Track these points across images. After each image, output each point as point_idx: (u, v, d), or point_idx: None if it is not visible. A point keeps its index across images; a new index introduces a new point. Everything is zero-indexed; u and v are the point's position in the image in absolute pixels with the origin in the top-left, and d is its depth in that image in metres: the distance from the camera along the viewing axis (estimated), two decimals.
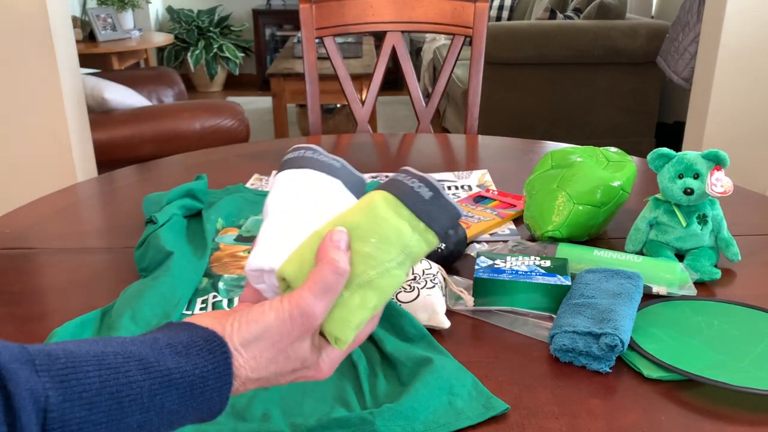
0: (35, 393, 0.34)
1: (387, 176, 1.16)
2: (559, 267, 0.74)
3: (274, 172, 1.18)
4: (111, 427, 0.36)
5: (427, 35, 4.79)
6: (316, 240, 0.43)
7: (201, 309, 0.73)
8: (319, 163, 0.49)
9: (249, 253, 0.84)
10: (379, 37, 4.88)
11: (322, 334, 0.44)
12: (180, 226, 0.88)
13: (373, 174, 1.17)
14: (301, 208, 0.47)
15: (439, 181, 1.15)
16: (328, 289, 0.41)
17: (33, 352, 0.36)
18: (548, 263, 0.75)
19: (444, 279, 0.75)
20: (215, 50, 5.27)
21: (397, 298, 0.69)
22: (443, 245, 0.80)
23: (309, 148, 0.50)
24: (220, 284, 0.78)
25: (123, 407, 0.36)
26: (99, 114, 2.67)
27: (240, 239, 0.90)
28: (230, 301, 0.74)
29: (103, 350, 0.37)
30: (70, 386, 0.35)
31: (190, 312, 0.72)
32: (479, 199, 1.03)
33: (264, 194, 1.05)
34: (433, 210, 0.44)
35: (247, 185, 1.13)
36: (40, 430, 0.34)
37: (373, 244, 0.43)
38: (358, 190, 0.51)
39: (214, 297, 0.75)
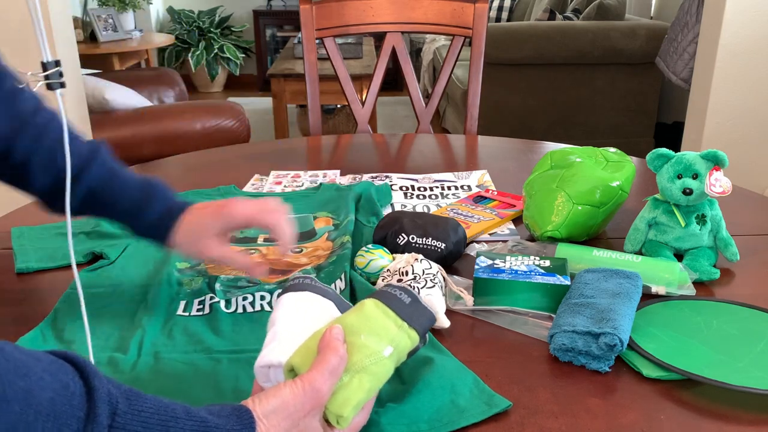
0: (111, 396, 0.41)
1: (387, 176, 1.16)
2: (559, 267, 0.75)
3: (271, 173, 1.19)
4: None
5: (427, 36, 4.79)
6: (317, 337, 0.51)
7: (198, 310, 0.73)
8: (316, 288, 0.59)
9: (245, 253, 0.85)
10: (379, 38, 4.88)
11: (326, 420, 0.50)
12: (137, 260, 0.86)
13: (374, 174, 1.17)
14: (303, 318, 0.56)
15: (439, 181, 1.15)
16: (332, 371, 0.49)
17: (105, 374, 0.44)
18: (547, 263, 0.75)
19: (444, 279, 0.75)
20: (216, 51, 5.28)
21: None
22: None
23: (307, 277, 0.60)
24: (217, 285, 0.78)
25: None
26: (100, 114, 2.67)
27: (234, 240, 0.90)
28: (227, 302, 0.74)
29: (184, 408, 0.45)
30: (132, 404, 0.42)
31: (186, 314, 0.72)
32: (479, 199, 1.04)
33: (259, 196, 1.06)
34: (412, 312, 0.55)
35: (248, 185, 1.14)
36: (108, 427, 0.41)
37: (366, 337, 0.52)
38: (343, 307, 0.59)
39: (212, 298, 0.75)
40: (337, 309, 0.58)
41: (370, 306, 0.55)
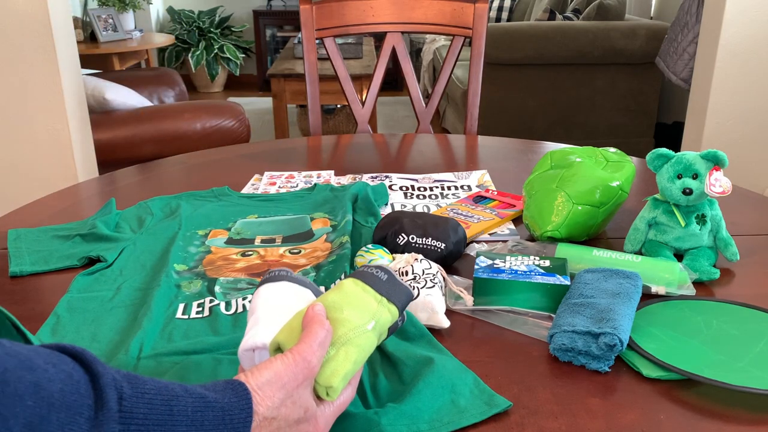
0: (116, 381, 0.41)
1: (387, 176, 1.16)
2: (559, 267, 0.75)
3: (267, 174, 1.19)
4: (165, 430, 0.42)
5: (427, 36, 4.79)
6: (300, 316, 0.52)
7: (197, 313, 0.73)
8: (292, 278, 0.60)
9: (243, 255, 0.85)
10: (379, 38, 4.88)
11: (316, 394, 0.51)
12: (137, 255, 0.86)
13: (374, 174, 1.17)
14: (282, 304, 0.57)
15: (439, 181, 1.15)
16: (321, 343, 0.49)
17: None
18: (547, 263, 0.75)
19: (444, 279, 0.75)
20: (216, 51, 5.28)
21: None
22: (443, 252, 0.80)
23: (283, 270, 0.61)
24: (216, 288, 0.78)
25: (173, 415, 0.42)
26: (100, 114, 2.67)
27: (230, 242, 0.90)
28: (227, 304, 0.74)
29: (185, 388, 0.44)
30: (135, 386, 0.42)
31: (186, 316, 0.72)
32: (479, 199, 1.04)
33: (252, 197, 1.06)
34: (390, 288, 0.57)
35: (247, 186, 1.13)
36: (118, 412, 0.40)
37: (348, 312, 0.53)
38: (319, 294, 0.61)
39: (211, 301, 0.75)
40: (314, 296, 0.59)
41: (348, 284, 0.56)
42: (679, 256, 0.83)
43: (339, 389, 0.50)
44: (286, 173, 1.20)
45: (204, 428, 0.43)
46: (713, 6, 2.20)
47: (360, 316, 0.53)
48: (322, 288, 0.63)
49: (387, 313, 0.56)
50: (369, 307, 0.55)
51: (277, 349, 0.51)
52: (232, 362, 0.64)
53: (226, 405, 0.44)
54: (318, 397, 0.51)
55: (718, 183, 0.78)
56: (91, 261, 0.84)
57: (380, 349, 0.65)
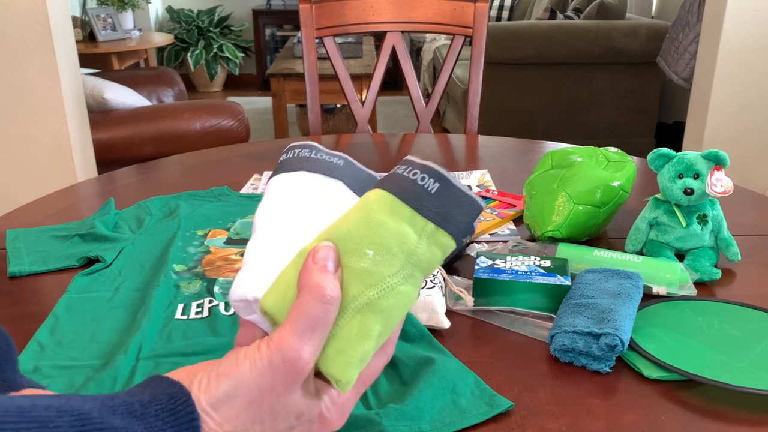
0: None
1: None
2: (559, 267, 0.74)
3: (266, 174, 1.18)
4: None
5: (427, 35, 4.79)
6: (301, 260, 0.36)
7: (197, 313, 0.72)
8: (317, 163, 0.42)
9: (242, 255, 0.84)
10: (379, 37, 4.88)
11: (318, 375, 0.37)
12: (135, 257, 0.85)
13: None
14: (291, 220, 0.39)
15: None
16: (315, 325, 0.34)
17: None
18: (548, 263, 0.75)
19: (444, 279, 0.75)
20: (215, 50, 5.27)
21: None
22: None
23: (306, 146, 0.43)
24: (216, 288, 0.77)
25: None
26: (99, 114, 2.67)
27: (230, 242, 0.89)
28: (227, 305, 0.74)
29: (35, 403, 0.31)
30: None
31: (185, 317, 0.72)
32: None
33: (251, 197, 1.05)
34: (442, 205, 0.36)
35: (247, 185, 1.13)
36: None
37: (370, 257, 0.35)
38: (368, 189, 0.40)
39: (210, 302, 0.75)
40: (349, 190, 0.42)
41: (375, 202, 0.36)
42: (680, 256, 0.83)
43: (351, 380, 0.36)
44: None
45: None
46: (714, 5, 2.20)
47: (388, 261, 0.35)
48: (373, 173, 0.44)
49: (435, 248, 0.37)
50: (404, 244, 0.36)
51: (268, 314, 0.36)
52: None
53: None
54: (326, 381, 0.37)
55: (719, 183, 0.78)
56: (90, 261, 0.84)
57: None
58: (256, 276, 0.37)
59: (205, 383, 0.33)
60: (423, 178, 0.36)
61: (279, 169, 0.43)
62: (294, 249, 0.37)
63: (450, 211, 0.36)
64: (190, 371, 0.35)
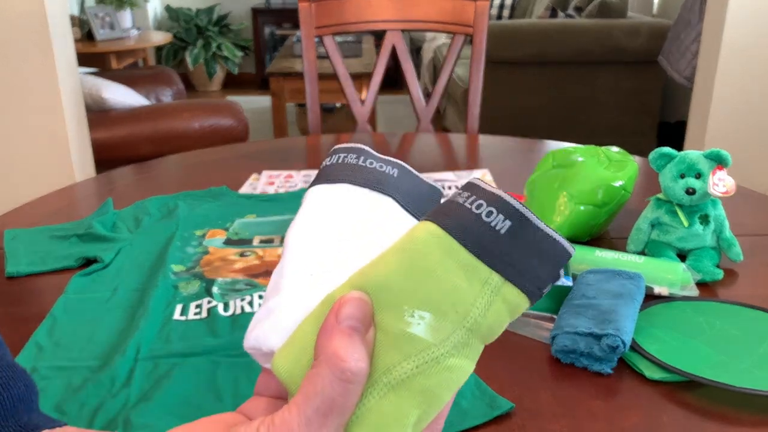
0: None
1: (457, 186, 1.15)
2: None
3: (265, 173, 1.17)
4: None
5: (428, 34, 4.78)
6: (324, 311, 0.28)
7: (195, 314, 0.72)
8: (365, 172, 0.34)
9: (241, 256, 0.84)
10: (378, 36, 4.87)
11: None
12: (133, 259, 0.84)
13: None
14: (325, 250, 0.31)
15: (440, 180, 1.13)
16: (330, 409, 0.25)
17: None
18: None
19: None
20: (214, 49, 5.27)
21: None
22: None
23: (353, 150, 0.34)
24: (214, 289, 0.77)
25: None
26: (97, 113, 2.67)
27: (229, 242, 0.89)
28: (225, 305, 0.73)
29: None
30: None
31: (183, 318, 0.71)
32: None
33: (250, 197, 1.04)
34: (514, 251, 0.27)
35: (246, 185, 1.13)
36: None
37: (412, 316, 0.27)
38: (428, 208, 0.33)
39: (209, 302, 0.74)
40: (403, 210, 0.34)
41: (423, 242, 0.27)
42: (682, 256, 0.83)
43: None
44: (285, 173, 1.19)
45: None
46: (716, 4, 2.19)
47: (435, 322, 0.27)
48: (435, 184, 0.36)
49: (500, 306, 0.27)
50: (458, 302, 0.27)
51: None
52: (230, 365, 0.63)
53: None
54: None
55: (721, 183, 0.78)
56: (88, 261, 0.84)
57: None
58: (275, 319, 0.30)
59: None
60: (490, 213, 0.27)
61: (319, 177, 0.34)
62: (324, 289, 0.29)
63: (524, 259, 0.27)
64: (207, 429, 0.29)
